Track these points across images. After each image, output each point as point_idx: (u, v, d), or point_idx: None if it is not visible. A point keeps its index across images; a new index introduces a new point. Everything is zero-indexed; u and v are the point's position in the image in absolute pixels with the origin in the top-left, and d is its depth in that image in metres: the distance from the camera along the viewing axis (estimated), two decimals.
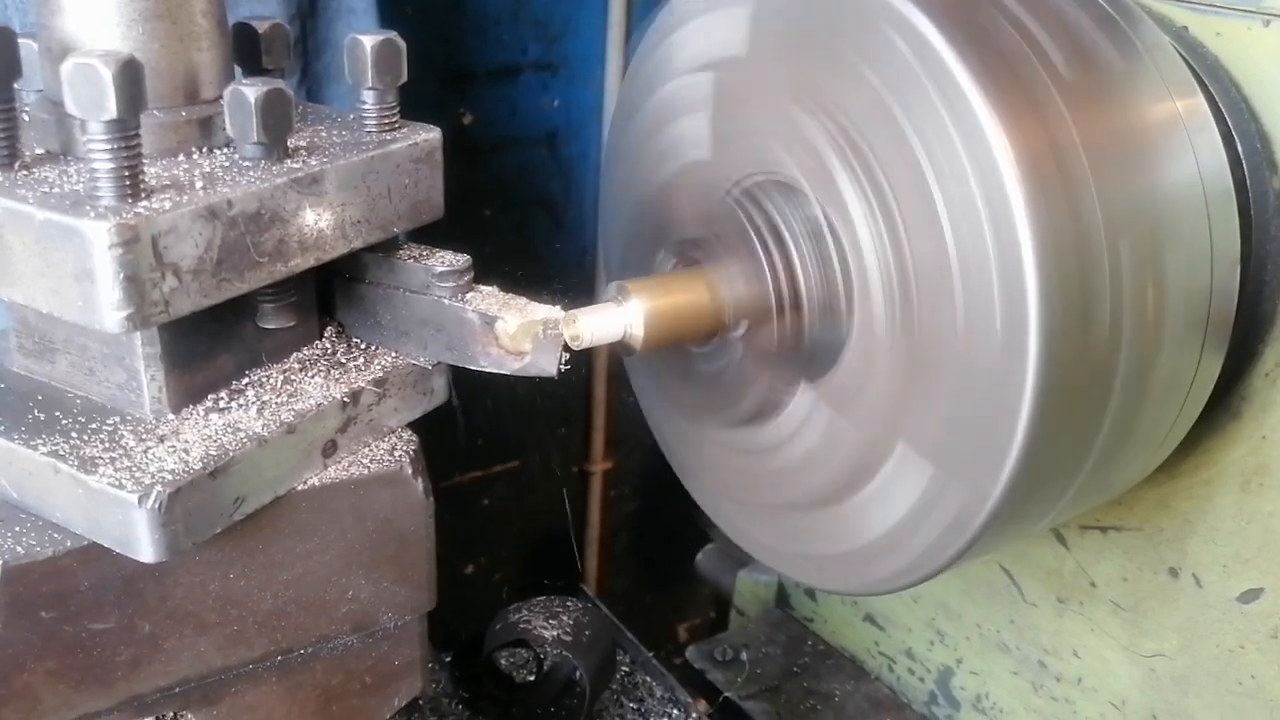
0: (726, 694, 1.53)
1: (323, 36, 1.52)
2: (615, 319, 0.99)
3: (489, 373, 0.91)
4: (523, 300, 0.91)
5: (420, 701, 1.24)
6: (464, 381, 1.00)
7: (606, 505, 2.53)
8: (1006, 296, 0.85)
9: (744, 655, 1.60)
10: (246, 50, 0.92)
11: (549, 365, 0.90)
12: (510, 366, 0.90)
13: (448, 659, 1.33)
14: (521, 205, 2.09)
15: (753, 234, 1.02)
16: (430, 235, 1.67)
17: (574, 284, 2.18)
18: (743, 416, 1.11)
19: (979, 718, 1.45)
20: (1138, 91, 0.95)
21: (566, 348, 0.91)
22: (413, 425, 0.96)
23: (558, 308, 0.90)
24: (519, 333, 0.88)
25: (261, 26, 0.92)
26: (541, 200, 2.14)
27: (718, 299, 1.05)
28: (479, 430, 2.18)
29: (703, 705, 1.61)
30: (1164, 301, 0.92)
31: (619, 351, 1.03)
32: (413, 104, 1.60)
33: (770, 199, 1.02)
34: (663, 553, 2.38)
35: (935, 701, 1.50)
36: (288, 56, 0.94)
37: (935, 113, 0.87)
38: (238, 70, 0.93)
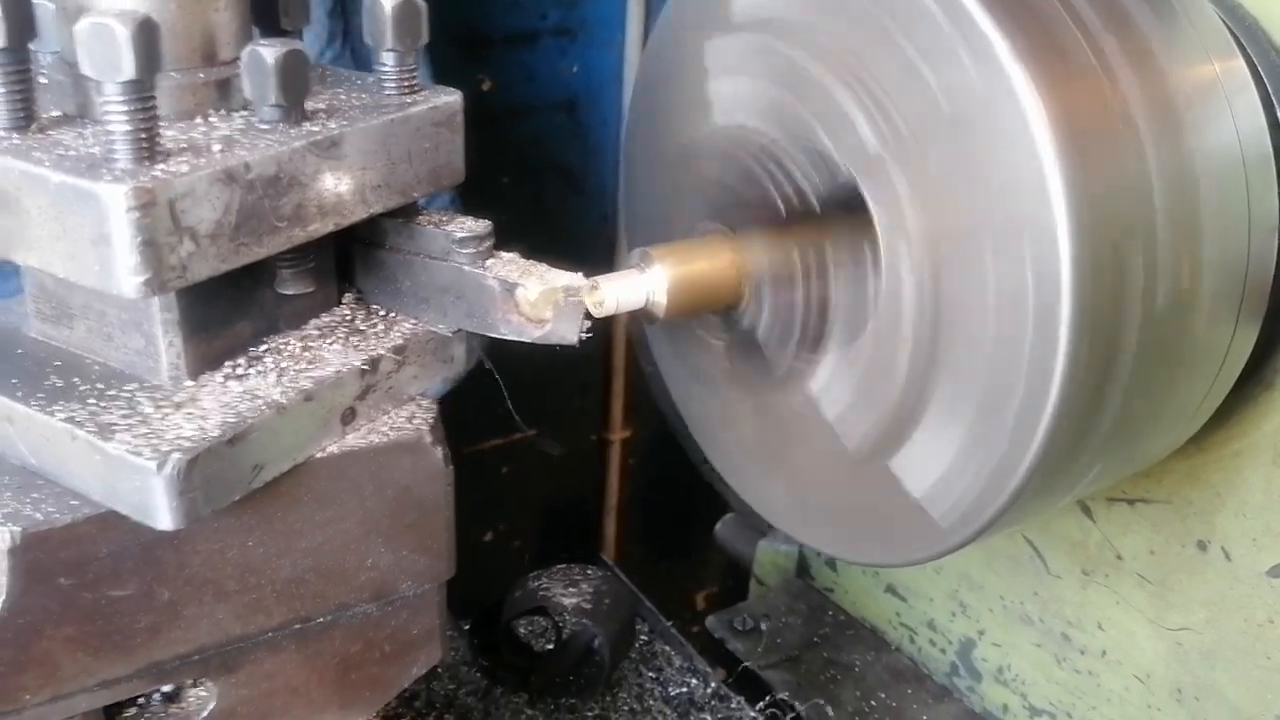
0: (746, 663, 1.52)
1: None
2: (638, 286, 0.98)
3: (508, 341, 0.90)
4: (544, 267, 0.90)
5: (439, 669, 1.24)
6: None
7: (625, 474, 2.53)
8: (1039, 261, 0.83)
9: (764, 625, 1.60)
10: (265, 11, 0.90)
11: (570, 333, 0.88)
12: (531, 334, 0.88)
13: (466, 626, 1.32)
14: (540, 172, 2.07)
15: (779, 200, 1.01)
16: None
17: (592, 252, 2.17)
18: (769, 383, 1.10)
19: (1001, 690, 1.44)
20: (1175, 53, 0.93)
21: (588, 315, 0.90)
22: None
23: (579, 274, 0.89)
24: (540, 300, 0.87)
25: None
26: (560, 167, 2.13)
27: (742, 266, 1.03)
28: (498, 398, 2.18)
29: (721, 674, 1.61)
30: (1200, 269, 0.90)
31: (641, 319, 1.02)
32: (431, 70, 1.58)
33: (797, 164, 1.00)
34: (681, 521, 2.39)
35: (956, 673, 1.50)
36: (306, 18, 0.92)
37: (968, 77, 0.85)
38: (256, 32, 0.92)
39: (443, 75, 1.63)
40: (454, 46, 1.83)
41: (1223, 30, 0.98)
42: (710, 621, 1.60)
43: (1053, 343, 0.84)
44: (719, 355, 1.16)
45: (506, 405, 2.18)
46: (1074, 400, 0.86)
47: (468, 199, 1.77)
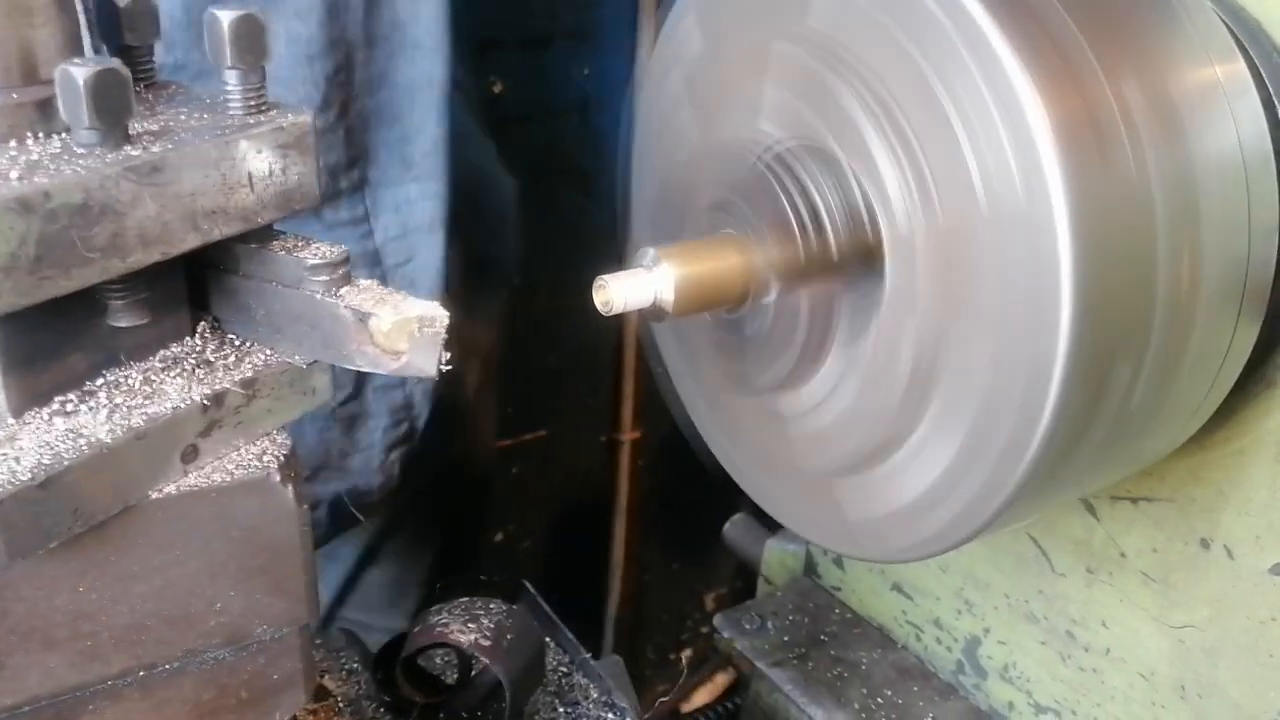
0: (756, 662, 1.54)
1: (379, 71, 1.42)
2: (645, 285, 0.98)
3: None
4: (400, 295, 0.85)
5: (341, 705, 1.20)
6: None
7: (635, 474, 2.52)
8: (1039, 264, 0.83)
9: (771, 623, 1.61)
10: (107, 26, 0.86)
11: (428, 365, 0.84)
12: (387, 366, 0.84)
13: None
14: (552, 175, 2.06)
15: (783, 198, 1.01)
16: (459, 206, 1.63)
17: (604, 255, 2.15)
18: (774, 382, 1.10)
19: (1006, 687, 1.43)
20: (1177, 56, 0.93)
21: (446, 346, 0.85)
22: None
23: (436, 304, 0.84)
24: (393, 330, 0.82)
25: (122, 0, 0.85)
26: (572, 170, 2.11)
27: (748, 263, 1.04)
28: (506, 399, 2.17)
29: (722, 679, 1.61)
30: (1200, 270, 0.90)
31: (649, 318, 1.02)
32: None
33: (802, 164, 1.01)
34: (690, 522, 2.38)
35: (962, 670, 1.49)
36: (156, 33, 0.88)
37: (970, 77, 0.85)
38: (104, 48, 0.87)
39: (455, 77, 1.60)
40: (467, 48, 1.80)
41: (1225, 33, 0.98)
42: (718, 620, 1.62)
43: (1052, 345, 0.84)
44: (725, 355, 1.16)
45: (515, 406, 2.17)
46: (1074, 398, 0.87)
47: (479, 201, 1.75)
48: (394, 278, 1.55)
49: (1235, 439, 1.10)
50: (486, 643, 1.12)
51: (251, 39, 0.81)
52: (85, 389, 0.82)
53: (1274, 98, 0.99)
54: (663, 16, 1.24)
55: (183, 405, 0.81)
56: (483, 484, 2.14)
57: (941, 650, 1.52)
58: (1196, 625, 1.20)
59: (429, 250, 1.55)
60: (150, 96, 0.86)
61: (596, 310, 1.01)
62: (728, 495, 1.71)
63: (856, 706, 1.47)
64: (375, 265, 1.53)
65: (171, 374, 0.84)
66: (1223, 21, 0.99)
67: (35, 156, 0.73)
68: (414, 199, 1.53)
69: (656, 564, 2.73)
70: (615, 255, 2.19)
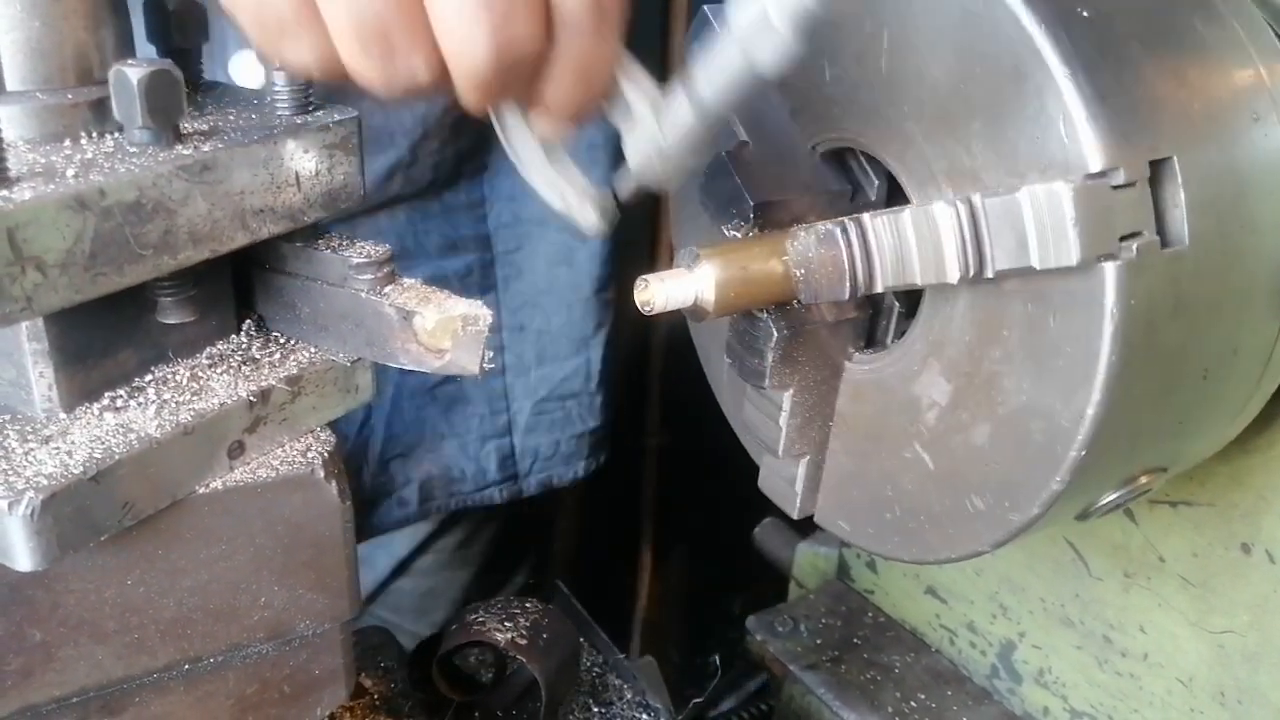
0: (789, 665, 1.54)
1: None
2: (687, 285, 0.98)
3: None
4: (444, 294, 0.86)
5: (377, 701, 1.21)
6: None
7: (662, 479, 2.52)
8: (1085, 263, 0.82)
9: (804, 626, 1.60)
10: (158, 28, 0.87)
11: (470, 363, 0.84)
12: (431, 365, 0.84)
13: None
14: None
15: (828, 201, 1.01)
16: None
17: (634, 256, 2.15)
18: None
19: (1041, 692, 1.43)
20: (1221, 57, 0.93)
21: (487, 346, 0.86)
22: None
23: (479, 303, 0.85)
24: (437, 329, 0.83)
25: (172, 2, 0.87)
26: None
27: (790, 266, 1.03)
28: None
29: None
30: (1244, 270, 0.90)
31: (690, 318, 1.02)
32: None
33: (848, 166, 1.01)
34: (719, 527, 2.37)
35: (997, 675, 1.48)
36: (205, 35, 0.89)
37: (1014, 75, 0.85)
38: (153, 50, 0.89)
39: None
40: None
41: (1269, 34, 0.98)
42: (750, 622, 1.61)
43: (1095, 353, 0.84)
44: (768, 353, 1.14)
45: None
46: (1114, 407, 0.86)
47: None
48: (502, 263, 1.58)
49: (1278, 444, 1.09)
50: (523, 642, 1.12)
51: None
52: (134, 385, 0.83)
53: None
54: (697, 20, 1.25)
55: (229, 401, 0.82)
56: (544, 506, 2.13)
57: (976, 654, 1.51)
58: (1236, 630, 1.19)
59: (537, 241, 1.58)
60: (199, 97, 0.87)
61: (621, 315, 1.01)
62: (754, 499, 1.72)
63: (890, 710, 1.47)
64: (486, 249, 1.57)
65: (218, 371, 0.85)
66: (1269, 25, 0.99)
67: (90, 155, 0.74)
68: (528, 190, 1.57)
69: (684, 568, 2.73)
70: (644, 257, 2.20)
